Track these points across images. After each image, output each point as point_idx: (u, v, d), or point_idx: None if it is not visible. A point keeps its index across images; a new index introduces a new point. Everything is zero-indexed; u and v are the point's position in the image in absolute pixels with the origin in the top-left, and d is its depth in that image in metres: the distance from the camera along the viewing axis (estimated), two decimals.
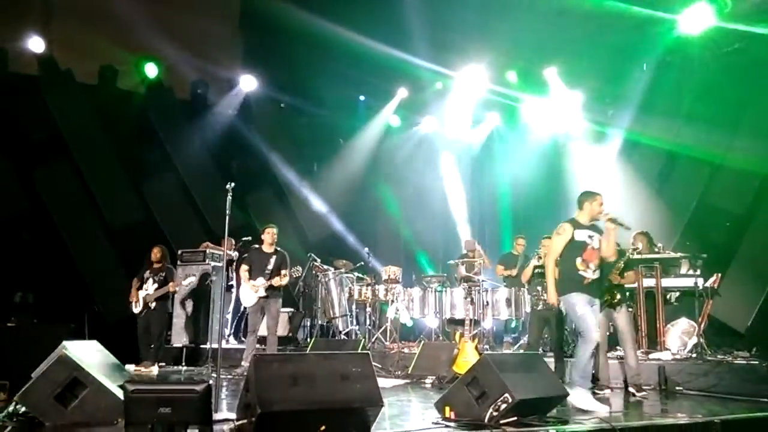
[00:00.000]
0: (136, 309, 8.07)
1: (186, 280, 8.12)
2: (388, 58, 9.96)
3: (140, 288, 8.10)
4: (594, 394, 6.09)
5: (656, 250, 7.85)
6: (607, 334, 6.32)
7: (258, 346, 7.95)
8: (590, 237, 5.28)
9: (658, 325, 7.58)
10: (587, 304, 5.18)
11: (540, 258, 6.61)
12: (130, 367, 7.32)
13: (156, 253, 8.21)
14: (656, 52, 9.22)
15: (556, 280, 5.33)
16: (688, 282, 7.75)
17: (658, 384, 6.56)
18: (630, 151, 10.12)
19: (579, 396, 5.09)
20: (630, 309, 6.39)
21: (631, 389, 6.07)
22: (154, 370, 7.93)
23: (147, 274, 8.13)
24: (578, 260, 5.22)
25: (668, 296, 8.02)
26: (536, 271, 6.69)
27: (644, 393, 6.01)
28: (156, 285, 8.03)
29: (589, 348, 5.12)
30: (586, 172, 10.69)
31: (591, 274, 5.22)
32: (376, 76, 11.03)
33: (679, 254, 8.11)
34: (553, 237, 5.46)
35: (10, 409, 4.44)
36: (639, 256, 7.03)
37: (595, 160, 10.58)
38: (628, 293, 6.46)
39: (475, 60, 10.57)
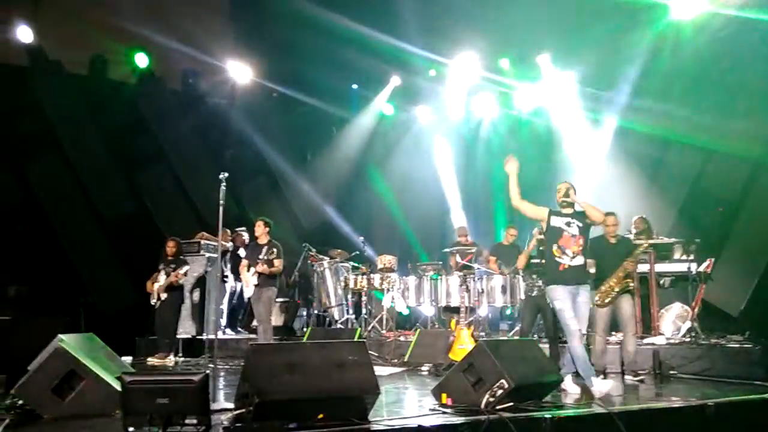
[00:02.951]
0: (152, 301, 8.17)
1: (182, 269, 8.13)
2: (380, 45, 9.91)
3: (156, 281, 8.19)
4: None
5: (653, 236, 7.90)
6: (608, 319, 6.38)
7: (254, 336, 7.99)
8: (568, 224, 5.34)
9: (651, 310, 7.64)
10: (567, 297, 5.24)
11: (541, 233, 6.62)
12: (127, 359, 7.33)
13: (171, 247, 8.32)
14: (649, 37, 9.20)
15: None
16: (682, 267, 7.80)
17: (653, 368, 6.61)
18: (624, 137, 10.11)
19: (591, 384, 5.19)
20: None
21: (627, 375, 6.15)
22: (170, 360, 7.96)
23: (161, 266, 8.25)
24: (554, 247, 5.33)
25: (662, 281, 8.07)
26: (532, 260, 6.69)
27: (642, 377, 6.08)
28: (165, 277, 8.14)
29: (574, 339, 5.17)
30: (580, 159, 10.69)
31: (568, 260, 5.28)
32: (368, 64, 10.96)
33: (672, 239, 8.15)
34: None
35: (8, 402, 4.45)
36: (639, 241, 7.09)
37: (589, 146, 10.58)
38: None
39: (468, 47, 10.52)
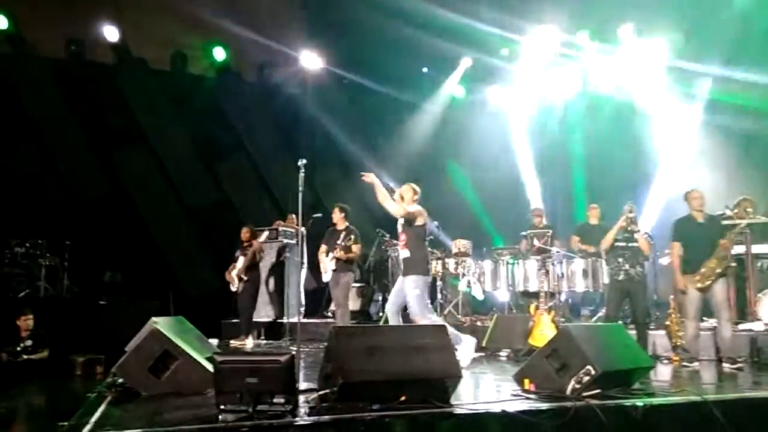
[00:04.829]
0: (233, 288, 8.46)
1: (260, 238, 8.41)
2: (451, 26, 9.72)
3: (233, 268, 8.47)
4: (683, 366, 5.91)
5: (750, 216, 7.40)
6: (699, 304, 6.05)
7: (331, 320, 8.14)
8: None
9: (748, 295, 7.19)
10: (396, 285, 6.12)
11: (632, 209, 6.34)
12: (214, 341, 7.65)
13: (245, 233, 8.60)
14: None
15: None
16: None
17: (750, 356, 6.25)
18: (715, 110, 9.46)
19: None
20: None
21: (725, 362, 5.83)
22: (248, 343, 8.25)
23: (237, 253, 8.53)
24: None
25: (759, 264, 7.57)
26: (617, 243, 6.40)
27: (740, 365, 5.75)
28: (243, 259, 8.42)
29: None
30: (666, 135, 10.11)
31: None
32: (438, 46, 10.78)
33: None
34: None
35: (109, 380, 4.75)
36: (730, 222, 6.68)
37: (675, 121, 9.98)
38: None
39: (543, 21, 10.13)
